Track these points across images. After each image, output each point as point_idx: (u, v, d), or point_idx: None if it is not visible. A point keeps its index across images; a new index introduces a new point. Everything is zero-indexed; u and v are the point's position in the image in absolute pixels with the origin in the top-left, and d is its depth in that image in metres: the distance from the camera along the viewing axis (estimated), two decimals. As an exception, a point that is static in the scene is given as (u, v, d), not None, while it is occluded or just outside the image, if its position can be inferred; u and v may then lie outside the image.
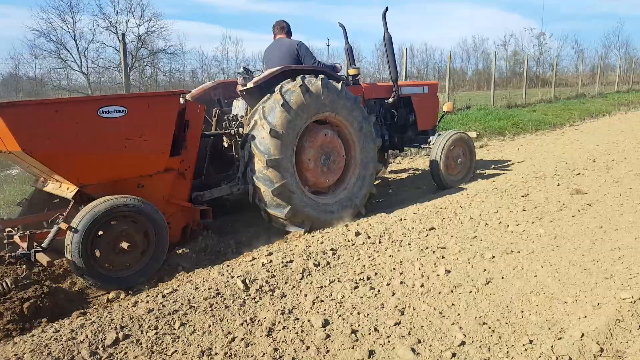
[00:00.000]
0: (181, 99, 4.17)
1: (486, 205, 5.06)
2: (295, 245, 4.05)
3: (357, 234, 4.26)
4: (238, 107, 5.34)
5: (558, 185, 5.86)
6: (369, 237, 4.19)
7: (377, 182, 6.13)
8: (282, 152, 4.41)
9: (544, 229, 4.19)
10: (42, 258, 3.34)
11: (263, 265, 3.58)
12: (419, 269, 3.54)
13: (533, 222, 4.41)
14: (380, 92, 6.36)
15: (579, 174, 6.47)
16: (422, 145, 6.84)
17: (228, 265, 3.72)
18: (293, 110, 4.47)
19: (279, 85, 4.56)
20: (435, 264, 3.61)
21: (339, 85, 4.89)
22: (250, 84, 4.64)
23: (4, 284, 3.17)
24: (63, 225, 3.45)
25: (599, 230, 4.12)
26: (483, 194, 5.52)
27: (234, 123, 5.10)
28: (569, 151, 8.91)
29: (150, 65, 27.32)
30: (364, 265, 3.65)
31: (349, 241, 4.12)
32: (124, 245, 3.59)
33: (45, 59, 25.00)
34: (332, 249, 3.92)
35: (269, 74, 4.68)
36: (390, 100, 6.41)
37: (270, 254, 3.86)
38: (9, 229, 4.00)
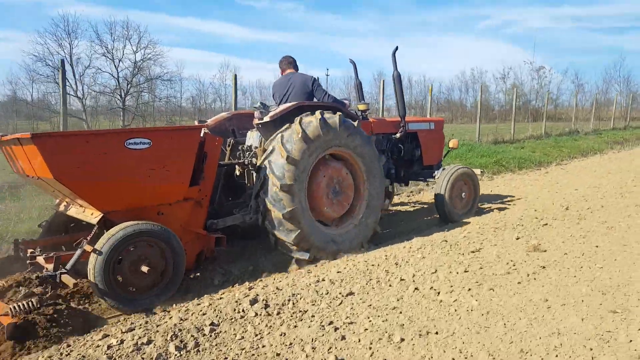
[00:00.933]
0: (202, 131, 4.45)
1: (426, 262, 4.29)
2: (170, 318, 3.34)
3: (254, 301, 3.49)
4: (252, 138, 5.61)
5: (517, 239, 5.00)
6: (266, 306, 3.44)
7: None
8: (296, 179, 4.66)
9: (478, 301, 3.38)
10: (68, 280, 3.55)
11: (109, 348, 2.88)
12: (307, 358, 2.78)
13: (469, 290, 3.60)
14: (388, 127, 6.65)
15: (546, 224, 5.64)
16: (427, 180, 7.09)
17: (68, 346, 3.02)
18: (310, 141, 4.75)
19: (299, 117, 4.84)
20: (329, 350, 2.85)
21: (355, 123, 5.18)
22: (266, 118, 4.92)
23: (30, 303, 3.36)
24: (88, 248, 3.67)
25: (543, 304, 3.29)
26: (428, 247, 4.76)
27: (248, 153, 5.36)
28: (545, 195, 8.27)
29: (148, 91, 27.23)
30: (243, 349, 2.89)
31: (238, 312, 3.37)
32: (144, 268, 3.80)
33: (42, 83, 25.38)
34: (211, 324, 3.19)
35: (285, 109, 4.97)
36: (398, 135, 6.69)
37: (131, 329, 3.14)
38: (31, 250, 4.22)
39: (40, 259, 4.00)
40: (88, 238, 3.84)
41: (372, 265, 4.35)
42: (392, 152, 6.78)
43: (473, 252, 4.60)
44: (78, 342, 3.05)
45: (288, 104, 5.06)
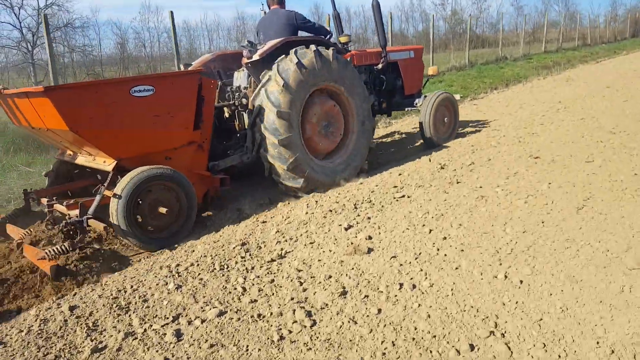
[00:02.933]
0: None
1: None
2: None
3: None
4: (240, 78, 5.82)
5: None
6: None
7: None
8: (291, 107, 4.99)
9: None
10: (97, 224, 3.91)
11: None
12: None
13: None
14: (369, 58, 6.91)
15: (396, 200, 4.68)
16: (409, 109, 7.49)
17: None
18: (305, 71, 5.04)
19: (276, 65, 5.04)
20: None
21: (331, 55, 5.42)
22: (256, 56, 5.12)
23: (63, 247, 3.73)
24: (108, 193, 4.00)
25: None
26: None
27: (237, 94, 5.60)
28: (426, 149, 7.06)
29: (62, 42, 23.01)
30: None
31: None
32: (162, 209, 4.18)
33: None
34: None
35: (273, 46, 5.17)
36: (379, 66, 6.97)
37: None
38: (47, 199, 4.52)
39: (59, 207, 4.33)
40: (105, 184, 4.16)
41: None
42: (375, 84, 7.09)
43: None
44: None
45: (276, 40, 5.25)
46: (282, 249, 3.68)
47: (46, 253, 3.67)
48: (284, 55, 5.07)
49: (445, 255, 3.25)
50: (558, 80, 14.86)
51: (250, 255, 3.68)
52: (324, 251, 3.58)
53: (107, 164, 4.21)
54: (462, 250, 3.28)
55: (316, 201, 4.76)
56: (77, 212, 4.08)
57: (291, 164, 5.02)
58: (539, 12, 34.50)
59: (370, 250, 3.47)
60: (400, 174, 5.35)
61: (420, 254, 3.33)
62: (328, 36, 5.97)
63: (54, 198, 4.51)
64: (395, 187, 4.90)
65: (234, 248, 3.81)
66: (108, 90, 3.94)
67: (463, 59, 18.96)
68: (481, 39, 34.35)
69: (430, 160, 5.88)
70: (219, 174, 4.99)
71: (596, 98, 9.80)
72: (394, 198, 4.57)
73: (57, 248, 3.70)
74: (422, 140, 7.25)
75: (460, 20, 37.80)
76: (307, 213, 4.38)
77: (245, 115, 5.51)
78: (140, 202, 4.12)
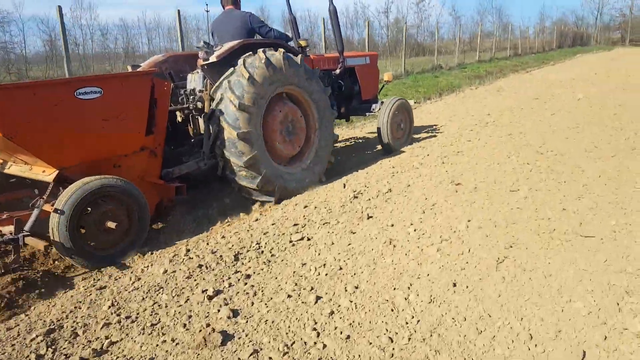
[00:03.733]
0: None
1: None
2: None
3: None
4: (194, 80, 5.49)
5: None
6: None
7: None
8: (250, 125, 4.73)
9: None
10: (36, 242, 3.46)
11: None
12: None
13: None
14: (328, 63, 6.78)
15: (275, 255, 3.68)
16: (366, 114, 7.42)
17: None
18: (258, 84, 4.78)
19: (242, 60, 4.81)
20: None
21: (298, 59, 5.24)
22: (213, 58, 4.83)
23: (-6, 269, 3.28)
24: (48, 208, 3.56)
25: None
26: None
27: (191, 97, 5.27)
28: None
29: None
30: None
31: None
32: (111, 224, 3.78)
33: None
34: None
35: (230, 48, 4.90)
36: (337, 71, 6.86)
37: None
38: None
39: (-10, 223, 3.82)
40: (44, 197, 3.72)
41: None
42: (333, 89, 6.96)
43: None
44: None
45: (233, 42, 4.99)
46: (107, 338, 2.63)
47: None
48: (232, 69, 4.81)
49: (324, 347, 2.44)
50: (490, 90, 14.86)
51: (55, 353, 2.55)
52: (164, 341, 2.58)
53: (46, 174, 3.77)
54: (348, 338, 2.48)
55: (187, 250, 3.82)
56: (11, 228, 3.61)
57: (248, 160, 4.75)
58: (475, 22, 35.49)
59: (226, 339, 2.53)
60: (306, 207, 4.58)
61: (292, 344, 2.47)
62: (286, 40, 5.77)
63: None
64: (296, 225, 4.12)
65: (32, 340, 2.66)
66: (49, 92, 3.52)
67: (400, 67, 18.89)
68: (422, 47, 35.10)
69: (344, 187, 5.11)
70: (173, 182, 4.63)
71: (525, 110, 9.71)
72: (290, 242, 3.80)
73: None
74: (378, 146, 7.20)
75: (401, 28, 38.57)
76: (165, 272, 3.41)
77: (201, 120, 5.19)
78: (85, 215, 3.71)
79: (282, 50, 5.08)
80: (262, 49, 4.93)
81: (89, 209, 3.72)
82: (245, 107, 4.68)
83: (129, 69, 5.47)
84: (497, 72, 20.97)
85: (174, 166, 4.82)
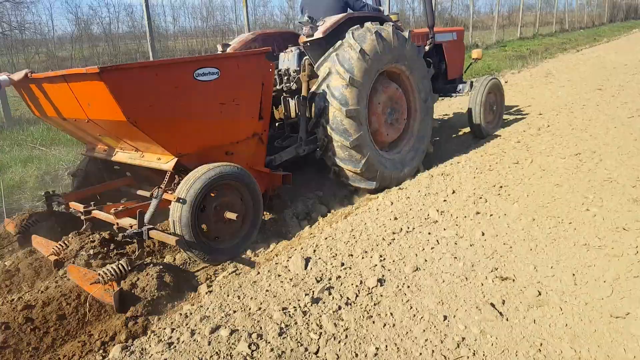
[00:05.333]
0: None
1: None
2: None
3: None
4: (287, 60, 5.20)
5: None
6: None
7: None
8: (359, 102, 4.43)
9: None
10: (164, 236, 3.25)
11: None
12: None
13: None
14: (418, 39, 6.37)
15: None
16: (453, 94, 7.00)
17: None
18: (368, 58, 4.46)
19: (350, 32, 4.49)
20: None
21: (406, 34, 4.89)
22: (318, 34, 4.49)
23: (120, 266, 3.08)
24: (170, 197, 3.35)
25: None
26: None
27: (285, 78, 4.99)
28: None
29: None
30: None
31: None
32: (231, 215, 3.56)
33: None
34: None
35: (336, 22, 4.56)
36: (427, 47, 6.44)
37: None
38: (79, 204, 3.83)
39: (104, 215, 3.66)
40: (162, 186, 3.51)
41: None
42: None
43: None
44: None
45: (338, 16, 4.64)
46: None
47: (100, 275, 3.01)
48: (339, 42, 4.48)
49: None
50: (536, 75, 12.15)
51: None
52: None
53: (162, 161, 3.56)
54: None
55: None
56: (128, 221, 3.43)
57: (363, 165, 4.49)
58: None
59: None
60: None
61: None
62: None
63: (92, 203, 3.82)
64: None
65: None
66: (170, 72, 3.27)
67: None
68: (455, 22, 32.91)
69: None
70: (277, 169, 4.38)
71: (588, 108, 7.22)
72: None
73: (112, 268, 3.05)
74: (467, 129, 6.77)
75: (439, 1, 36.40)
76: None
77: (293, 102, 4.92)
78: (204, 207, 3.49)
79: (390, 23, 4.72)
80: (350, 33, 4.56)
81: (209, 198, 3.51)
82: (355, 82, 4.38)
83: (219, 48, 5.21)
84: (542, 52, 18.29)
85: (276, 153, 4.57)
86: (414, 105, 5.23)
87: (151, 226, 3.23)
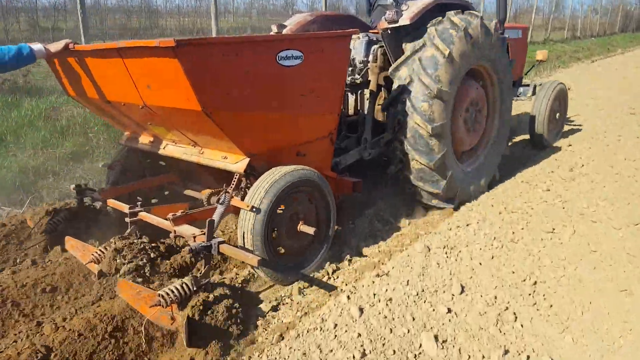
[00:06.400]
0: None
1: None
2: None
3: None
4: (353, 48, 4.63)
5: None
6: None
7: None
8: (445, 116, 3.89)
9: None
10: (237, 253, 2.71)
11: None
12: None
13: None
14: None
15: None
16: (514, 99, 6.46)
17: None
18: (456, 63, 3.90)
19: (433, 29, 3.92)
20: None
21: (492, 26, 4.36)
22: (404, 21, 3.91)
23: (184, 286, 2.55)
24: (241, 204, 2.81)
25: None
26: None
27: (350, 69, 4.43)
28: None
29: None
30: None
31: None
32: (308, 229, 3.03)
33: None
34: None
35: (424, 8, 3.98)
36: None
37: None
38: (123, 204, 3.28)
39: (152, 218, 3.11)
40: (230, 190, 2.96)
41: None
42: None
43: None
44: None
45: (425, 1, 4.06)
46: None
47: (161, 296, 2.47)
48: (440, 18, 3.94)
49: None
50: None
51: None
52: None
53: (230, 161, 3.01)
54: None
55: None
56: (187, 229, 2.88)
57: (439, 160, 3.92)
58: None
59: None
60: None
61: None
62: None
63: (138, 203, 3.27)
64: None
65: None
66: (254, 52, 2.71)
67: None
68: None
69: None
70: (343, 174, 3.84)
71: (627, 140, 5.76)
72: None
73: (176, 289, 2.52)
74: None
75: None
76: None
77: (352, 98, 4.40)
78: (279, 216, 2.97)
79: (477, 15, 4.17)
80: (453, 13, 4.03)
81: (283, 208, 2.98)
82: (443, 94, 3.81)
83: (274, 29, 4.64)
84: (554, 59, 16.65)
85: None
86: (493, 104, 4.70)
87: (222, 239, 2.69)
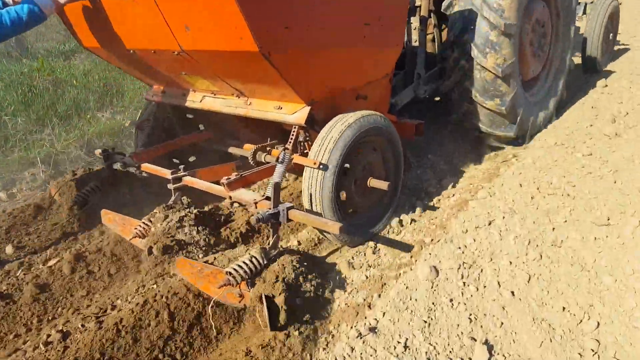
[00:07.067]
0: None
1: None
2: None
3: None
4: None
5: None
6: None
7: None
8: (514, 51, 3.40)
9: None
10: (307, 217, 2.35)
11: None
12: None
13: None
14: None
15: None
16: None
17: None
18: None
19: None
20: None
21: None
22: None
23: (254, 260, 2.21)
24: (307, 161, 2.42)
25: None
26: None
27: None
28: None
29: None
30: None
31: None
32: (382, 184, 2.65)
33: None
34: None
35: None
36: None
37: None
38: (168, 171, 2.90)
39: (201, 183, 2.74)
40: (290, 146, 2.56)
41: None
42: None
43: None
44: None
45: None
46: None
47: (230, 274, 2.14)
48: None
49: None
50: None
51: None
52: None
53: (287, 111, 2.58)
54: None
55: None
56: (244, 194, 2.51)
57: (509, 103, 3.50)
58: None
59: None
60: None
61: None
62: None
63: (180, 167, 2.88)
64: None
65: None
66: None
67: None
68: None
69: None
70: (403, 116, 3.41)
71: None
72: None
73: (245, 264, 2.18)
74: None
75: None
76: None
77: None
78: (347, 171, 2.59)
79: None
80: None
81: (352, 160, 2.60)
82: (510, 29, 3.30)
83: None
84: None
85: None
86: (556, 26, 4.17)
87: (290, 204, 2.32)
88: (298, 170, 2.64)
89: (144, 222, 2.71)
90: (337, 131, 2.44)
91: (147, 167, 3.03)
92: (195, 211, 2.72)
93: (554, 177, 2.98)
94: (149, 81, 3.31)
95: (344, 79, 2.65)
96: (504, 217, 2.64)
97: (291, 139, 2.58)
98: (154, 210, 2.75)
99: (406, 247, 2.68)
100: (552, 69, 4.21)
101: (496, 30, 3.27)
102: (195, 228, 2.66)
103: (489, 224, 2.61)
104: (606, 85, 4.65)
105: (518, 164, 3.32)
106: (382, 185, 2.64)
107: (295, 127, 2.58)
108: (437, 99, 4.10)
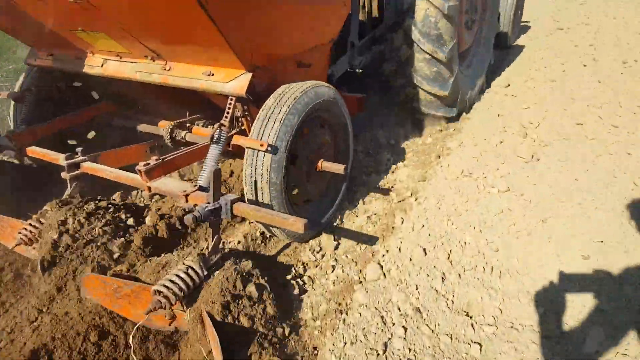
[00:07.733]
0: None
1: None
2: None
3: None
4: None
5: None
6: None
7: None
8: (455, 35, 3.24)
9: None
10: (254, 213, 1.89)
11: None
12: None
13: None
14: None
15: None
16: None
17: None
18: None
19: None
20: None
21: None
22: None
23: (191, 272, 1.74)
24: (252, 142, 1.96)
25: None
26: None
27: None
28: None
29: None
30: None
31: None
32: (336, 167, 2.27)
33: None
34: None
35: None
36: None
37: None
38: (62, 155, 2.27)
39: (109, 171, 2.17)
40: (225, 122, 2.08)
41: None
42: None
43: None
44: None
45: None
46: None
47: (161, 294, 1.67)
48: None
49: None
50: None
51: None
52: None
53: (221, 78, 2.09)
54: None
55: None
56: (169, 183, 2.00)
57: (452, 86, 3.34)
58: None
59: None
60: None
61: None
62: None
63: (78, 150, 2.26)
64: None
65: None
66: None
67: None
68: None
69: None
70: (341, 89, 3.05)
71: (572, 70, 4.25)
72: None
73: (178, 279, 1.71)
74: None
75: None
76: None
77: None
78: (296, 154, 2.18)
79: None
80: None
81: (299, 141, 2.19)
82: (453, 12, 3.12)
83: None
84: None
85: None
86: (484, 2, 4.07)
87: (235, 196, 1.85)
88: (233, 151, 2.17)
89: (30, 224, 2.08)
90: (286, 105, 2.01)
91: (33, 151, 2.36)
92: (100, 204, 2.15)
93: (467, 234, 2.23)
94: (32, 41, 2.59)
95: (289, 42, 2.22)
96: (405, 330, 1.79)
97: (227, 114, 2.10)
98: (45, 208, 2.13)
99: (366, 238, 2.35)
100: (482, 35, 4.12)
101: (439, 13, 3.05)
102: (104, 229, 2.09)
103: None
104: (509, 85, 4.06)
105: (419, 208, 2.48)
106: (338, 169, 2.25)
107: (232, 99, 2.10)
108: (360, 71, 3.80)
